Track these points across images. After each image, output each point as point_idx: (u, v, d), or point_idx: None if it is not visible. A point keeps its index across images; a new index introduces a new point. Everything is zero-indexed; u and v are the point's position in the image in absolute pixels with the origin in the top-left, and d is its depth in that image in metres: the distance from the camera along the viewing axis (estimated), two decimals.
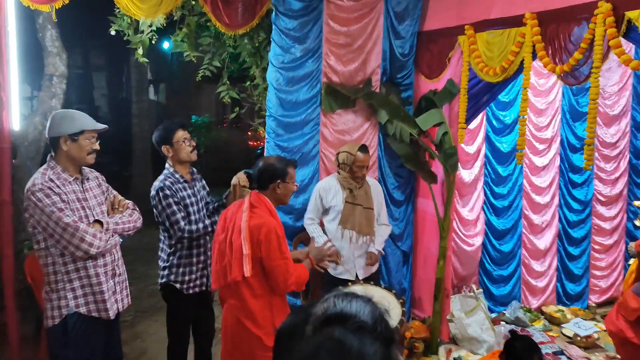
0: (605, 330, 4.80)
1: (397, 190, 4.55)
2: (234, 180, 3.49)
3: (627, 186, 5.55)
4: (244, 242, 2.60)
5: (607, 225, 5.50)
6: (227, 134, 13.24)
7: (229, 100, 4.57)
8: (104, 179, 3.11)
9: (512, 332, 3.09)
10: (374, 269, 3.98)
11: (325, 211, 3.85)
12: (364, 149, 3.74)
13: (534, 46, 3.34)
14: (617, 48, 2.80)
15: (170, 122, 3.37)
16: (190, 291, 3.33)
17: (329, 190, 3.83)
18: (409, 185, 4.64)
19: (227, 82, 4.54)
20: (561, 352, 4.42)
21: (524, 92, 3.46)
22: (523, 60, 3.41)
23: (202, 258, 3.36)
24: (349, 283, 3.46)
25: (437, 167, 4.35)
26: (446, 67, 4.19)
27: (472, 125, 4.74)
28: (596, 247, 5.50)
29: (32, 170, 4.73)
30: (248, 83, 4.54)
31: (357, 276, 3.82)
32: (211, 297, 3.60)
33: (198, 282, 3.36)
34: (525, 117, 3.52)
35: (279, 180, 2.77)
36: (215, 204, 3.53)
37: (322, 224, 3.95)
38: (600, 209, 5.48)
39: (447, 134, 4.07)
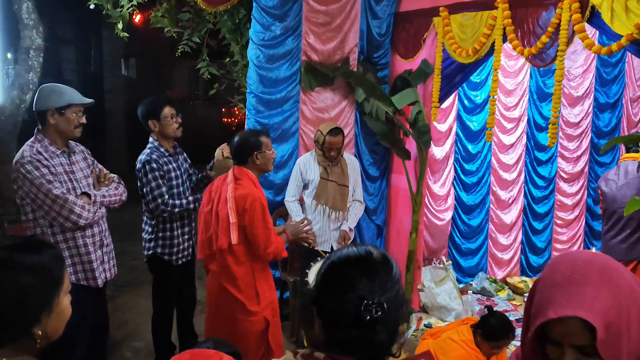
0: None
1: (372, 167, 4.72)
2: (217, 152, 3.61)
3: (588, 164, 5.84)
4: (230, 212, 2.74)
5: (569, 201, 5.80)
6: (200, 111, 13.19)
7: (208, 76, 4.63)
8: (89, 152, 3.18)
9: (488, 307, 3.27)
10: (349, 242, 4.15)
11: (305, 185, 4.00)
12: (334, 132, 3.82)
13: (504, 29, 3.51)
14: (581, 33, 2.99)
15: (157, 98, 3.46)
16: (179, 262, 3.45)
17: (308, 165, 3.98)
18: (384, 161, 4.81)
19: (207, 58, 4.59)
20: None
21: (494, 73, 3.64)
22: (494, 42, 3.59)
23: (187, 229, 3.47)
24: (326, 254, 3.63)
25: (411, 144, 4.53)
26: (421, 47, 4.34)
27: (445, 104, 4.91)
28: (558, 221, 5.81)
29: (10, 145, 4.75)
30: (228, 59, 4.60)
31: (332, 248, 4.00)
32: (194, 267, 3.72)
33: (185, 252, 3.48)
34: (496, 97, 3.70)
35: (255, 152, 2.90)
36: (199, 175, 3.65)
37: (302, 200, 4.09)
38: (563, 185, 5.77)
39: (421, 113, 4.24)
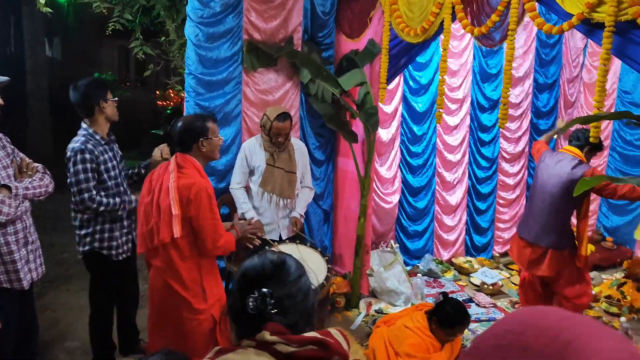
0: (508, 278, 5.22)
1: (318, 150, 4.57)
2: (156, 152, 3.34)
3: (529, 144, 5.95)
4: (172, 203, 2.51)
5: (510, 181, 5.90)
6: (132, 94, 12.55)
7: (142, 56, 4.31)
8: (9, 140, 2.85)
9: (443, 294, 3.23)
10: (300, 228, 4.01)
11: (251, 172, 3.81)
12: (282, 117, 3.64)
13: (453, 8, 3.42)
14: (531, 11, 2.94)
15: (99, 80, 3.16)
16: (120, 257, 3.19)
17: (253, 150, 3.78)
18: (330, 144, 4.68)
19: (140, 37, 4.26)
20: (470, 300, 4.75)
21: (443, 53, 3.56)
22: (443, 21, 3.50)
23: (126, 222, 3.21)
24: (275, 243, 3.48)
25: (358, 127, 4.42)
26: (367, 27, 4.20)
27: (390, 85, 4.83)
28: (501, 201, 5.90)
29: None
30: (163, 39, 4.28)
31: (280, 237, 3.84)
32: (135, 261, 3.47)
33: (125, 247, 3.22)
34: (445, 77, 3.63)
35: (201, 138, 2.68)
36: (129, 171, 3.38)
37: (248, 187, 3.90)
38: (505, 165, 5.85)
39: (369, 94, 4.13)
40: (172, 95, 10.90)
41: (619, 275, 5.21)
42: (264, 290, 1.31)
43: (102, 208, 3.00)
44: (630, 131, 5.85)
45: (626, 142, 5.93)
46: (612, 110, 5.84)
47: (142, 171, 3.38)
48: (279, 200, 3.76)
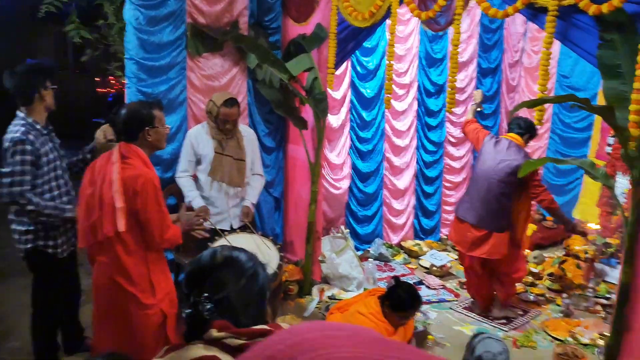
0: (456, 259, 5.34)
1: (267, 137, 4.50)
2: (99, 134, 3.17)
3: None
4: (116, 195, 2.39)
5: (456, 165, 6.02)
6: (70, 81, 11.98)
7: (79, 40, 4.08)
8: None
9: (395, 279, 3.26)
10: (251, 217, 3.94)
11: (198, 161, 3.69)
12: (229, 102, 3.53)
13: None
14: None
15: (39, 65, 2.96)
16: (65, 254, 3.03)
17: (200, 138, 3.66)
18: (280, 131, 4.61)
19: (77, 20, 4.03)
20: (420, 282, 4.84)
21: (391, 37, 3.56)
22: (390, 5, 3.49)
23: None
24: (225, 233, 3.40)
25: (308, 113, 4.37)
26: (314, 10, 4.14)
27: (338, 71, 4.80)
28: (447, 184, 6.02)
29: None
30: (101, 22, 4.06)
31: (231, 226, 3.76)
32: (77, 255, 3.31)
33: (69, 242, 3.07)
34: (393, 62, 3.63)
35: (147, 127, 2.56)
36: (73, 158, 3.21)
37: (195, 176, 3.78)
38: (451, 149, 5.96)
39: (317, 79, 4.08)
40: (112, 81, 10.47)
41: (559, 253, 5.43)
42: (205, 294, 1.26)
43: (30, 207, 2.81)
44: (569, 114, 6.07)
45: (565, 125, 6.16)
46: (552, 94, 6.03)
47: (88, 156, 3.21)
48: (229, 188, 3.67)
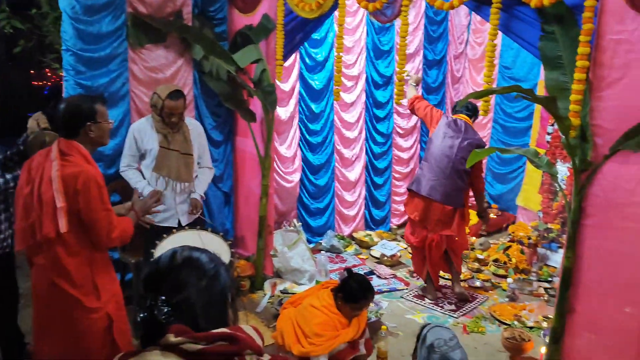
0: (406, 248, 5.41)
1: (215, 130, 4.41)
2: (31, 123, 3.00)
3: (420, 120, 6.15)
4: (56, 194, 2.26)
5: (405, 155, 6.10)
6: (2, 72, 11.35)
7: (11, 30, 3.85)
8: None
9: (348, 270, 3.25)
10: (198, 213, 3.84)
11: (142, 155, 3.56)
12: (174, 95, 3.40)
13: None
14: None
15: None
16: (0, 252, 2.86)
17: (144, 132, 3.52)
18: (228, 124, 4.53)
19: (7, 9, 3.79)
20: (371, 272, 4.88)
21: (339, 29, 3.54)
22: None
23: (4, 215, 2.88)
24: (173, 230, 3.30)
25: (256, 105, 4.30)
26: (261, 1, 4.07)
27: (287, 63, 4.75)
28: (396, 175, 6.09)
29: None
30: (34, 11, 3.84)
31: (179, 223, 3.65)
32: (13, 258, 3.14)
33: (5, 243, 2.89)
34: (342, 54, 3.61)
35: (89, 122, 2.43)
36: (7, 152, 3.02)
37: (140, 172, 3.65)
38: (399, 140, 6.03)
39: (266, 71, 4.02)
40: (49, 74, 10.00)
41: (504, 239, 5.60)
42: (162, 297, 1.20)
43: None
44: (510, 104, 6.25)
45: (507, 115, 6.34)
46: (495, 85, 6.19)
47: (21, 148, 3.03)
48: (176, 184, 3.55)
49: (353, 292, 3.07)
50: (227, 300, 1.30)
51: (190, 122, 3.70)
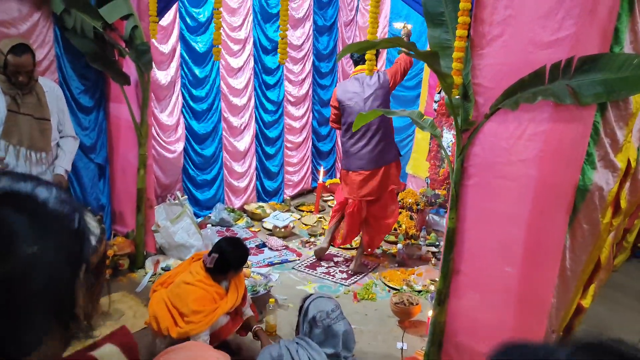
0: (299, 219, 5.29)
1: (84, 95, 3.95)
2: None
3: (312, 87, 6.03)
4: None
5: (296, 124, 5.94)
6: None
7: None
8: None
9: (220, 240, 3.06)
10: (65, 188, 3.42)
11: None
12: (18, 50, 2.95)
13: None
14: None
15: None
16: None
17: None
18: (98, 88, 4.08)
19: None
20: (263, 245, 4.72)
21: None
22: None
23: None
24: None
25: (129, 67, 3.90)
26: None
27: (165, 22, 4.38)
28: (288, 145, 5.93)
29: None
30: None
31: None
32: None
33: None
34: (220, 9, 3.33)
35: None
36: None
37: None
38: (291, 109, 5.86)
39: (138, 29, 3.64)
40: None
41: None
42: None
43: None
44: None
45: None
46: (385, 54, 6.17)
47: None
48: (30, 154, 3.11)
49: (225, 256, 2.87)
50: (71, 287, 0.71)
51: (46, 83, 3.24)
